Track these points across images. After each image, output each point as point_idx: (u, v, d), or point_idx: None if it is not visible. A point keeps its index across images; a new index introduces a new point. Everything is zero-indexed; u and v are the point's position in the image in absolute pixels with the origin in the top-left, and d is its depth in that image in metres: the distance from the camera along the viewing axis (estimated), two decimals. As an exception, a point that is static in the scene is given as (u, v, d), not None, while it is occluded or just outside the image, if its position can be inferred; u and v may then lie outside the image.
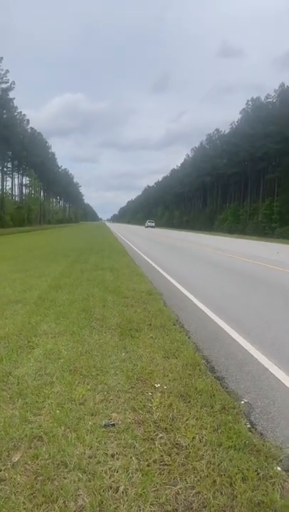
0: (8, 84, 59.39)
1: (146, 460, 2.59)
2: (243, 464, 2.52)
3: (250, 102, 70.73)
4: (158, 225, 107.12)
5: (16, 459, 2.62)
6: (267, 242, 39.50)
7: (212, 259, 17.50)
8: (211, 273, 12.91)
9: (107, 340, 5.01)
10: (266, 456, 2.61)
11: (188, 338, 5.31)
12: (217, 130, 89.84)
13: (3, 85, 59.02)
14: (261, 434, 2.95)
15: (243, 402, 3.46)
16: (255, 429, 3.03)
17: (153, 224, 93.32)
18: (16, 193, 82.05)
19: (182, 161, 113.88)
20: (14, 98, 62.54)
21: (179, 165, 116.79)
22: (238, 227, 68.26)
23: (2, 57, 57.03)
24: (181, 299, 8.07)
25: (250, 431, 3.00)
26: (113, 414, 3.18)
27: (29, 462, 2.58)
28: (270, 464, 2.53)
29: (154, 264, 14.24)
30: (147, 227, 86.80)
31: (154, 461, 2.58)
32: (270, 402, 3.52)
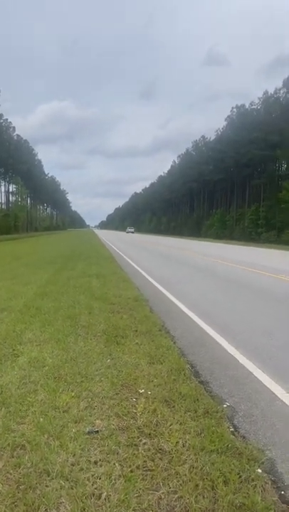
0: (-6, 92, 59.18)
1: (130, 466, 2.59)
2: (225, 467, 2.54)
3: (234, 109, 71.68)
4: (146, 231, 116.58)
5: (-2, 469, 2.60)
6: (254, 247, 39.82)
7: (198, 265, 17.59)
8: (196, 278, 12.98)
9: (92, 347, 5.00)
10: (248, 459, 2.63)
11: (174, 343, 5.33)
12: (203, 137, 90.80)
13: (-11, 93, 58.80)
14: (244, 437, 2.98)
15: (225, 405, 3.49)
16: (238, 433, 3.06)
17: (132, 230, 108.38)
18: (3, 201, 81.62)
19: (169, 167, 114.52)
20: (0, 105, 62.36)
21: (166, 172, 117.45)
22: (224, 232, 68.80)
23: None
24: (167, 305, 8.09)
25: (233, 434, 3.02)
26: (97, 421, 3.18)
27: (11, 471, 2.55)
28: (252, 466, 2.55)
29: (140, 270, 14.25)
30: (128, 232, 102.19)
31: (137, 467, 2.58)
32: (253, 405, 3.56)
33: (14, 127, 77.41)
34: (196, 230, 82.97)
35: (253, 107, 66.87)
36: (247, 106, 68.57)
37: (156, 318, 6.65)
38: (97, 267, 14.66)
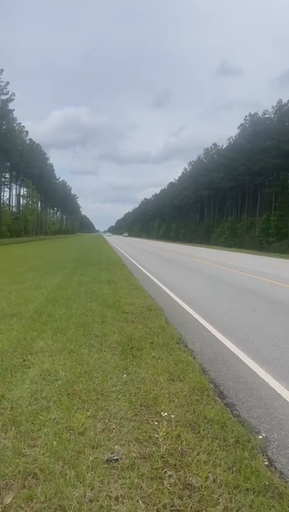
0: (8, 95, 59.71)
1: (155, 504, 2.29)
2: (264, 510, 2.23)
3: (248, 117, 71.34)
4: (155, 237, 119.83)
5: (8, 501, 2.32)
6: (265, 256, 39.29)
7: (214, 274, 17.25)
8: (211, 288, 12.65)
9: (107, 359, 4.72)
10: (290, 502, 2.31)
11: (194, 358, 5.02)
12: (215, 144, 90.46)
13: (3, 97, 59.30)
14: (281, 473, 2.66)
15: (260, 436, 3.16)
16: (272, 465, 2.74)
17: (127, 235, 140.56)
18: (14, 204, 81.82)
19: (180, 174, 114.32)
20: (14, 109, 62.79)
21: (177, 178, 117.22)
22: (235, 240, 68.18)
23: (3, 69, 57.45)
24: (182, 313, 7.78)
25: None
26: (116, 446, 2.89)
27: (22, 505, 2.27)
28: (296, 511, 2.24)
29: (153, 278, 13.96)
30: (125, 236, 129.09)
31: (164, 506, 2.28)
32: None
33: (27, 131, 77.79)
34: (205, 237, 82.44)
35: (267, 115, 66.50)
36: (260, 114, 68.27)
37: (173, 330, 6.34)
38: (107, 273, 14.40)
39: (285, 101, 61.21)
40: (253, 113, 70.42)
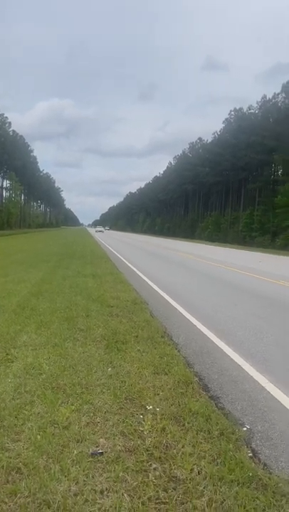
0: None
1: (140, 497, 2.29)
2: (249, 502, 2.25)
3: (233, 113, 71.52)
4: (140, 231, 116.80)
5: (-9, 496, 2.29)
6: (248, 250, 39.63)
7: (193, 267, 17.33)
8: (193, 280, 12.71)
9: (92, 353, 4.69)
10: (274, 493, 2.34)
11: (178, 351, 5.03)
12: (200, 139, 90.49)
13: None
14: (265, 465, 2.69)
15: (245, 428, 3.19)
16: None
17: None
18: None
19: (165, 169, 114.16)
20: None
21: (162, 173, 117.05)
22: (219, 235, 68.58)
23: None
24: (167, 307, 7.79)
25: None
26: (101, 440, 2.88)
27: (6, 500, 2.24)
28: (279, 501, 2.27)
29: (138, 272, 13.95)
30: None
31: (149, 499, 2.28)
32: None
33: (10, 123, 76.63)
34: (189, 231, 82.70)
35: (251, 111, 66.73)
36: (245, 110, 68.50)
37: (158, 324, 6.35)
38: (92, 267, 14.33)
39: (269, 97, 61.57)
40: (237, 108, 70.66)
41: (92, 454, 2.69)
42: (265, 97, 62.67)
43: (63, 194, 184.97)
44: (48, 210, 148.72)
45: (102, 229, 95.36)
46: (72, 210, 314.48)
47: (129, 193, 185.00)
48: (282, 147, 52.05)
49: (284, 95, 56.37)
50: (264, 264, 20.74)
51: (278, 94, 58.33)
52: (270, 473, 2.56)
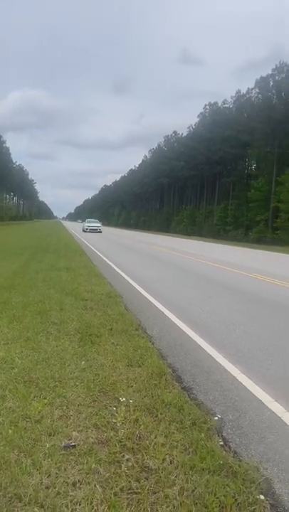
0: None
1: (112, 488, 2.30)
2: (219, 489, 2.30)
3: (207, 107, 71.90)
4: (115, 225, 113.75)
5: None
6: (222, 244, 40.15)
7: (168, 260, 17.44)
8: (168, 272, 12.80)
9: (65, 347, 4.66)
10: (243, 480, 2.40)
11: (152, 344, 5.06)
12: (175, 132, 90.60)
13: None
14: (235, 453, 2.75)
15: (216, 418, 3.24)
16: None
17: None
18: None
19: (140, 162, 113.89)
20: None
21: (137, 166, 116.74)
22: (194, 229, 69.14)
23: None
24: (141, 300, 7.82)
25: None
26: (74, 433, 2.87)
27: (-24, 496, 2.21)
28: (249, 488, 2.32)
29: (112, 265, 13.92)
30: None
31: (121, 489, 2.30)
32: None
33: (-19, 112, 74.55)
34: (165, 225, 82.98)
35: (226, 105, 67.31)
36: (220, 104, 68.98)
37: (132, 316, 6.36)
38: (66, 260, 14.19)
39: (243, 91, 62.20)
40: (212, 102, 71.06)
41: (64, 446, 2.68)
42: (239, 91, 63.30)
43: (37, 186, 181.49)
44: (22, 202, 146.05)
45: (96, 225, 49.29)
46: (46, 202, 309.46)
47: (104, 185, 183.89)
48: (256, 142, 52.84)
49: (257, 90, 57.03)
50: (237, 258, 21.08)
51: (252, 89, 59.01)
52: (240, 461, 2.62)
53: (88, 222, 52.63)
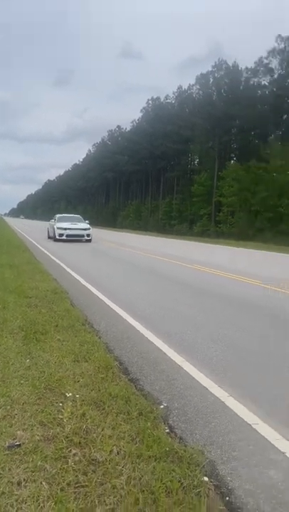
0: None
1: (59, 484, 2.28)
2: (165, 475, 2.35)
3: (150, 101, 72.44)
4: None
5: None
6: (166, 238, 40.75)
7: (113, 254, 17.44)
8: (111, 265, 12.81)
9: (8, 345, 4.53)
10: (189, 463, 2.47)
11: (99, 338, 5.05)
12: (118, 127, 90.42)
13: None
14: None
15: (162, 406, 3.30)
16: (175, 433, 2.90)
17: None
18: None
19: (84, 156, 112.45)
20: None
21: (82, 160, 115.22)
22: (140, 223, 69.58)
23: None
24: (88, 295, 7.77)
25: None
26: (18, 432, 2.80)
27: None
28: (194, 471, 2.40)
29: (57, 261, 13.68)
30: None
31: (68, 484, 2.28)
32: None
33: None
34: (111, 220, 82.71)
35: (168, 100, 68.23)
36: (162, 99, 69.73)
37: (78, 312, 6.30)
38: (8, 256, 13.72)
39: (185, 87, 63.30)
40: (155, 97, 71.65)
41: (8, 446, 2.61)
42: (180, 87, 64.39)
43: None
44: None
45: (81, 228, 24.93)
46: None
47: (48, 180, 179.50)
48: (197, 137, 54.04)
49: (198, 87, 58.29)
50: (183, 251, 21.52)
51: (193, 85, 60.22)
52: (186, 446, 2.70)
53: (61, 221, 25.67)
